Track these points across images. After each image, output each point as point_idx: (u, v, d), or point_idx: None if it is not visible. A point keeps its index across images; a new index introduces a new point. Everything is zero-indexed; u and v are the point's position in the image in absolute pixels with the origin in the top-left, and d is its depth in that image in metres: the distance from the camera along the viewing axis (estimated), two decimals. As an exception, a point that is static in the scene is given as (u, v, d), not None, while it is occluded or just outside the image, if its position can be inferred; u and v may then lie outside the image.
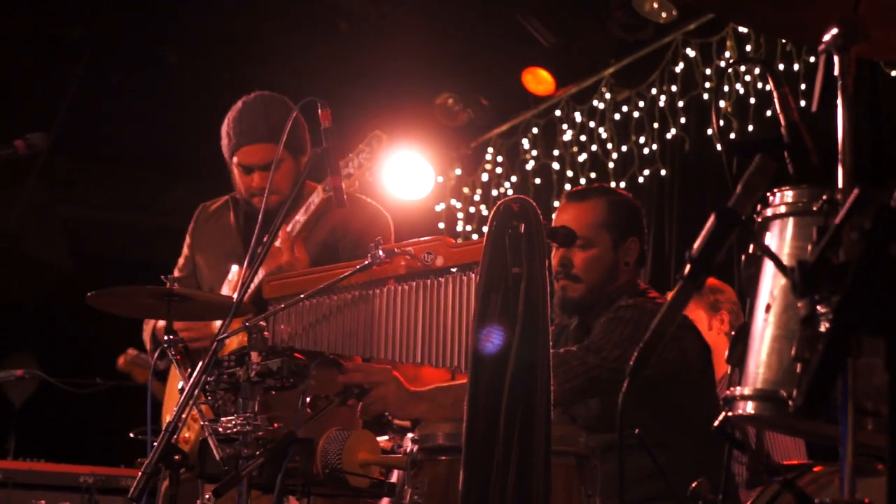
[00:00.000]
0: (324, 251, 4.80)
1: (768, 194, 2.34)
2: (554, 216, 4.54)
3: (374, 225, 4.76)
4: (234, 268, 4.85)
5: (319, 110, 4.24)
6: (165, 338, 4.25)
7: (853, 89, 2.24)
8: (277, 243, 4.60)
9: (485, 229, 3.59)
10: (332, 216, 4.76)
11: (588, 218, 4.44)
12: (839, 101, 2.19)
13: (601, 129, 7.97)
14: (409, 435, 3.80)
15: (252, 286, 4.58)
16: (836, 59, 2.23)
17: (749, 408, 2.24)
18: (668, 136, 7.56)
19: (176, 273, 5.11)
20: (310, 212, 4.62)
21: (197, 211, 5.26)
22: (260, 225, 4.24)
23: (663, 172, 7.62)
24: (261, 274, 4.58)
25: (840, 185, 2.15)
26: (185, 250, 5.20)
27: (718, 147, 6.63)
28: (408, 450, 3.73)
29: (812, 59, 6.45)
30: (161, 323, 4.87)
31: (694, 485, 2.79)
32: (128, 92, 8.69)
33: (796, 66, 6.60)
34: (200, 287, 5.01)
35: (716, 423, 2.30)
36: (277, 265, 4.57)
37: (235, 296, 4.01)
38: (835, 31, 2.24)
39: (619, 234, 4.44)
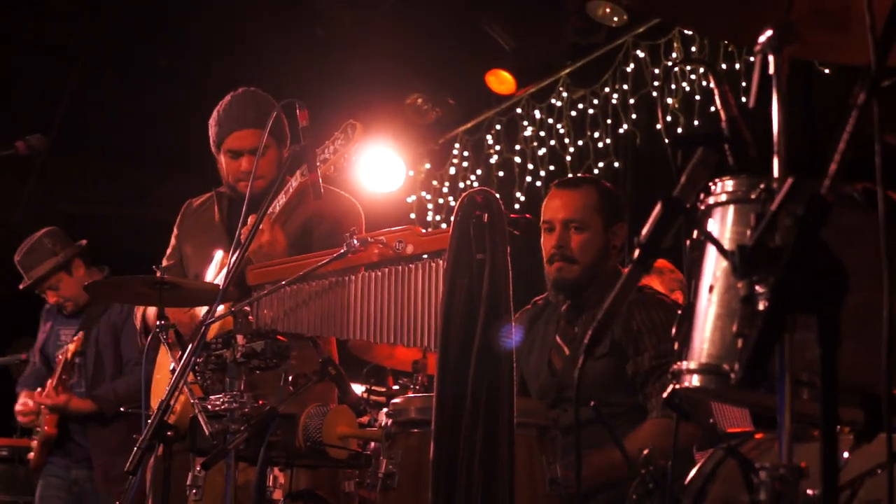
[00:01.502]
0: (301, 236, 4.78)
1: (710, 184, 2.35)
2: (544, 203, 4.53)
3: (348, 216, 4.76)
4: (219, 253, 4.83)
5: (298, 110, 4.24)
6: (157, 323, 4.25)
7: (787, 87, 2.24)
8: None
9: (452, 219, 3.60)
10: (310, 205, 4.73)
11: (582, 203, 4.44)
12: (774, 98, 2.20)
13: (559, 126, 7.97)
14: (384, 409, 3.81)
15: (217, 276, 4.61)
16: (770, 59, 2.23)
17: (695, 380, 2.25)
18: (621, 131, 7.56)
19: (164, 262, 5.09)
20: (289, 194, 4.61)
21: (183, 206, 5.24)
22: (246, 208, 4.25)
23: (616, 165, 7.62)
24: (220, 260, 4.62)
25: (776, 175, 2.15)
26: (173, 241, 5.18)
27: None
28: (382, 423, 3.74)
29: (752, 59, 6.47)
30: (151, 311, 4.87)
31: (646, 452, 2.80)
32: (120, 94, 8.65)
33: (737, 66, 6.61)
34: (186, 274, 5.00)
35: (664, 395, 2.31)
36: (258, 244, 4.55)
37: (221, 283, 4.01)
38: (769, 33, 2.24)
39: (610, 218, 4.45)
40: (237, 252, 4.06)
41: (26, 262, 6.59)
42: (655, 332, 4.19)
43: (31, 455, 6.64)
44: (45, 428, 6.48)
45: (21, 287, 6.63)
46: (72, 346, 6.42)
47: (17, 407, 6.70)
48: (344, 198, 4.95)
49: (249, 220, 4.42)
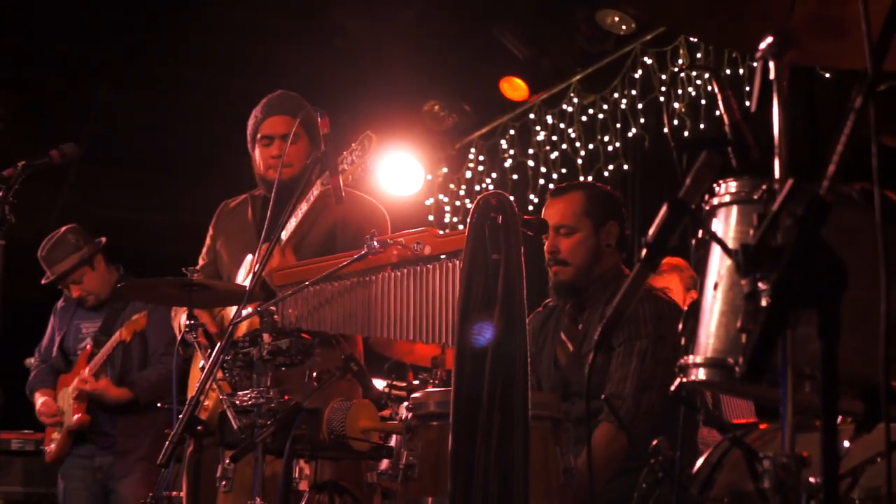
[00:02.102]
0: (326, 242, 4.80)
1: (714, 185, 2.35)
2: (543, 211, 4.57)
3: (373, 221, 4.75)
4: (249, 257, 4.85)
5: (319, 118, 4.26)
6: (187, 322, 4.26)
7: (789, 90, 2.24)
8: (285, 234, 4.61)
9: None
10: (336, 211, 4.75)
11: (569, 208, 4.47)
12: (774, 103, 2.20)
13: (570, 130, 7.97)
14: (404, 403, 3.82)
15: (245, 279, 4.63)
16: (771, 65, 2.24)
17: (701, 374, 2.25)
18: (630, 134, 7.56)
19: (200, 261, 5.12)
20: (310, 202, 4.62)
21: (220, 207, 5.26)
22: (274, 198, 4.28)
23: (626, 167, 7.62)
24: (249, 263, 4.63)
25: (777, 176, 2.16)
26: (208, 241, 5.20)
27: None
28: (403, 417, 3.75)
29: (754, 65, 6.46)
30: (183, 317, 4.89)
31: (654, 442, 2.80)
32: (147, 106, 8.69)
33: (741, 71, 6.60)
34: (220, 273, 5.02)
35: (672, 388, 2.31)
36: (270, 268, 4.56)
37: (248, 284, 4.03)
38: (769, 40, 2.24)
39: (599, 219, 4.45)
40: (259, 260, 4.08)
41: (50, 257, 6.58)
42: (636, 327, 4.19)
43: (52, 447, 6.60)
44: (77, 416, 6.45)
45: (43, 282, 6.61)
46: (122, 333, 6.41)
47: (39, 408, 6.66)
48: (369, 202, 4.96)
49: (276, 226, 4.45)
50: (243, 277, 4.80)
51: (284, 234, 4.59)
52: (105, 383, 6.44)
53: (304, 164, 4.72)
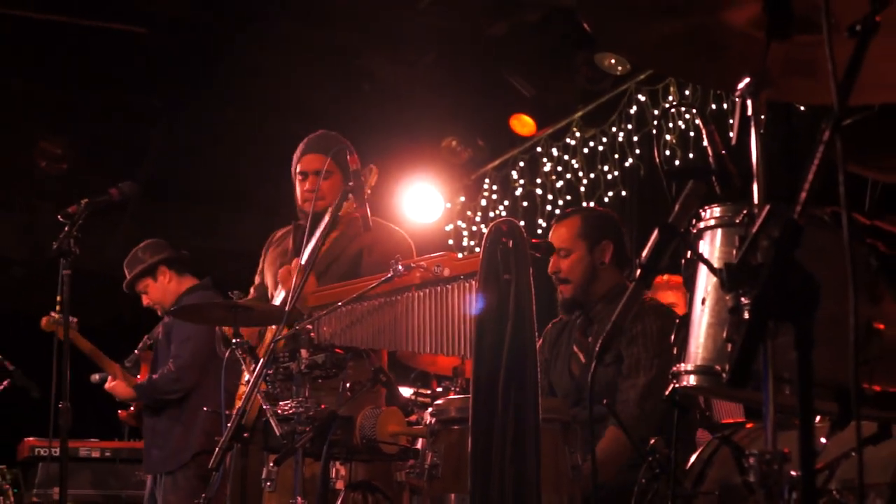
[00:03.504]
0: (353, 264, 4.81)
1: (701, 211, 2.35)
2: (551, 233, 4.60)
3: (394, 245, 4.76)
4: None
5: (348, 155, 4.27)
6: (234, 340, 4.27)
7: (767, 124, 2.24)
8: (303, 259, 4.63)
9: (482, 245, 3.61)
10: (364, 237, 4.76)
11: (567, 233, 4.49)
12: (752, 136, 2.20)
13: (573, 161, 7.97)
14: (429, 410, 3.83)
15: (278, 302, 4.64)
16: (749, 102, 2.24)
17: (692, 380, 2.25)
18: (627, 164, 7.55)
19: (255, 281, 5.14)
20: (332, 228, 4.62)
21: (270, 236, 5.28)
22: (309, 226, 4.38)
23: (624, 193, 7.61)
24: (282, 293, 4.62)
25: (756, 201, 2.16)
26: (260, 265, 5.22)
27: (665, 173, 6.63)
28: (427, 422, 3.76)
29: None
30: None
31: (652, 441, 2.81)
32: (196, 145, 8.73)
33: (725, 105, 6.61)
34: (267, 296, 5.02)
35: (666, 393, 2.31)
36: (288, 288, 4.59)
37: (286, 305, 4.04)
38: (747, 80, 2.25)
39: (593, 240, 4.47)
40: (300, 277, 4.09)
41: (126, 268, 6.56)
42: (644, 341, 4.19)
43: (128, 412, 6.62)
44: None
45: (125, 287, 6.57)
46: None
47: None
48: (392, 230, 4.96)
49: (294, 262, 4.48)
50: (281, 299, 4.81)
51: (303, 258, 4.61)
52: (114, 384, 6.38)
53: (336, 197, 4.73)
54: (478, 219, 8.96)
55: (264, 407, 3.98)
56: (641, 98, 7.38)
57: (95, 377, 6.82)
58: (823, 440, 2.45)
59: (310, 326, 4.06)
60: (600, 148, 7.75)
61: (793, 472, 1.91)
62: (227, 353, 4.48)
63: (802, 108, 5.71)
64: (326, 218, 4.54)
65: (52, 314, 5.82)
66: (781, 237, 1.69)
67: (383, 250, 4.74)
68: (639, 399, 4.13)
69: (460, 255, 4.06)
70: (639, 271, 2.19)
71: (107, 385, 6.40)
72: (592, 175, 7.81)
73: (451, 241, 9.02)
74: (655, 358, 4.17)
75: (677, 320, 2.42)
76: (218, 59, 8.02)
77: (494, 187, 8.81)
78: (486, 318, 3.48)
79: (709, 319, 2.23)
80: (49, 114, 8.64)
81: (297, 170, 4.97)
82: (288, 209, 5.11)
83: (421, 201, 8.88)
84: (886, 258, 2.04)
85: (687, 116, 6.98)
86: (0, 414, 7.05)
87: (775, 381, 1.90)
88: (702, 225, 2.34)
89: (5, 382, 6.96)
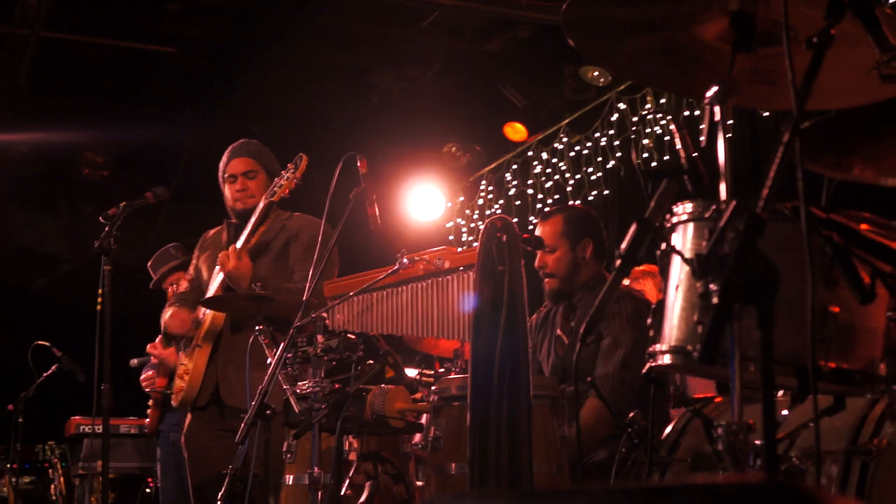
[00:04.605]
0: (281, 252, 4.88)
1: (674, 207, 2.34)
2: (537, 229, 4.58)
3: (314, 232, 4.74)
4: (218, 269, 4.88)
5: (358, 160, 4.26)
6: (256, 328, 4.26)
7: (735, 126, 2.24)
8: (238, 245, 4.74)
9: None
10: (289, 228, 4.90)
11: (551, 230, 4.47)
12: (720, 139, 2.19)
13: (561, 164, 7.97)
14: (432, 388, 3.82)
15: (216, 287, 4.78)
16: (717, 109, 2.23)
17: (666, 359, 2.24)
18: (609, 166, 7.55)
19: (186, 279, 5.17)
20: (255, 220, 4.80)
21: (203, 236, 5.30)
22: (237, 221, 4.79)
23: (606, 192, 7.61)
24: (221, 276, 4.72)
25: (723, 198, 2.15)
26: (193, 261, 5.22)
27: (644, 173, 6.63)
28: (431, 399, 3.75)
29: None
30: (165, 317, 5.00)
31: (631, 414, 2.80)
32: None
33: (696, 112, 6.59)
34: (202, 288, 5.02)
35: (643, 371, 2.30)
36: (227, 271, 4.66)
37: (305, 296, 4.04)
38: (714, 89, 2.24)
39: (575, 237, 4.45)
40: (314, 274, 4.09)
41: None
42: (620, 320, 4.18)
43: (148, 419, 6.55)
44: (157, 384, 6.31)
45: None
46: None
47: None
48: (315, 220, 4.96)
49: (231, 247, 4.73)
50: (214, 289, 4.84)
51: (240, 243, 4.72)
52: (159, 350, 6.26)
53: (263, 193, 4.82)
54: (475, 216, 8.96)
55: (284, 387, 3.98)
56: (622, 106, 7.38)
57: (134, 362, 6.81)
58: (784, 412, 2.44)
59: (325, 314, 4.06)
60: (585, 152, 7.74)
61: (757, 441, 1.91)
62: (251, 339, 4.44)
63: (766, 113, 5.71)
64: (258, 211, 4.77)
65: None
66: (746, 230, 1.68)
67: (308, 234, 4.84)
68: (618, 370, 4.12)
69: (459, 249, 4.05)
70: (619, 262, 2.18)
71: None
72: (578, 176, 7.81)
73: (451, 237, 9.02)
74: (631, 334, 4.17)
75: (651, 305, 2.41)
76: (241, 75, 8.03)
77: (490, 188, 8.81)
78: (482, 305, 3.47)
79: (681, 304, 2.22)
80: (92, 127, 8.65)
81: (226, 175, 5.01)
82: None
83: (424, 201, 8.90)
84: (840, 248, 2.03)
85: (662, 122, 6.98)
86: (49, 395, 7.06)
87: (741, 358, 1.89)
88: (675, 219, 2.33)
89: (53, 367, 6.96)
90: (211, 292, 4.81)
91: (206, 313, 4.83)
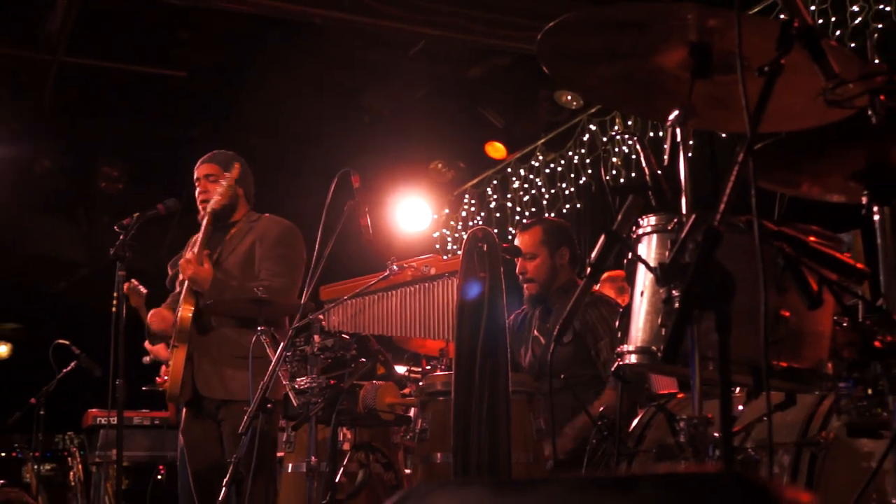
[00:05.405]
0: (249, 252, 4.76)
1: (639, 220, 2.35)
2: (516, 239, 4.58)
3: (283, 233, 4.75)
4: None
5: (352, 176, 4.25)
6: (259, 329, 4.24)
7: (694, 147, 2.24)
8: (189, 255, 4.68)
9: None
10: (255, 231, 4.78)
11: (531, 240, 4.46)
12: (681, 158, 2.20)
13: (538, 180, 7.98)
14: (419, 384, 3.82)
15: (183, 290, 4.66)
16: (678, 131, 2.24)
17: (633, 358, 2.24)
18: (581, 182, 7.57)
19: (168, 279, 5.10)
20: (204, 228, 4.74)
21: (189, 241, 5.23)
22: (200, 222, 4.70)
23: (579, 206, 7.63)
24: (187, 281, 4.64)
25: (684, 212, 2.15)
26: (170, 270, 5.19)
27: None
28: (418, 394, 3.74)
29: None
30: (148, 316, 4.92)
31: (601, 409, 2.80)
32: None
33: (660, 133, 6.61)
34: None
35: (612, 369, 2.30)
36: (187, 277, 4.60)
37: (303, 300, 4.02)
38: (676, 112, 2.25)
39: (553, 246, 4.44)
40: (311, 274, 4.07)
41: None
42: (607, 323, 4.18)
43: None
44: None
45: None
46: None
47: None
48: (280, 221, 4.90)
49: (188, 252, 4.72)
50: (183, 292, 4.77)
51: (196, 248, 4.66)
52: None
53: (226, 200, 4.75)
54: (459, 227, 8.96)
55: (284, 383, 3.97)
56: (592, 128, 7.39)
57: (146, 359, 6.77)
58: (740, 407, 2.45)
59: (321, 316, 4.05)
60: (559, 169, 7.75)
61: (715, 434, 1.91)
62: (253, 339, 4.42)
63: (723, 135, 5.72)
64: (204, 221, 4.72)
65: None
66: (704, 241, 1.68)
67: (273, 237, 4.75)
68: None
69: (445, 257, 4.05)
70: (589, 269, 2.18)
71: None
72: (553, 191, 7.82)
73: (437, 246, 9.01)
74: (612, 338, 4.18)
75: (619, 308, 2.41)
76: (244, 97, 8.00)
77: (473, 201, 8.81)
78: (465, 308, 3.47)
79: (646, 308, 2.22)
80: (109, 143, 8.62)
81: (195, 177, 4.94)
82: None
83: (412, 213, 8.88)
84: (791, 258, 2.04)
85: (629, 142, 6.99)
86: (68, 389, 7.01)
87: (700, 358, 1.90)
88: (640, 231, 2.33)
89: (72, 364, 6.92)
90: (182, 296, 4.74)
91: (178, 314, 4.76)
